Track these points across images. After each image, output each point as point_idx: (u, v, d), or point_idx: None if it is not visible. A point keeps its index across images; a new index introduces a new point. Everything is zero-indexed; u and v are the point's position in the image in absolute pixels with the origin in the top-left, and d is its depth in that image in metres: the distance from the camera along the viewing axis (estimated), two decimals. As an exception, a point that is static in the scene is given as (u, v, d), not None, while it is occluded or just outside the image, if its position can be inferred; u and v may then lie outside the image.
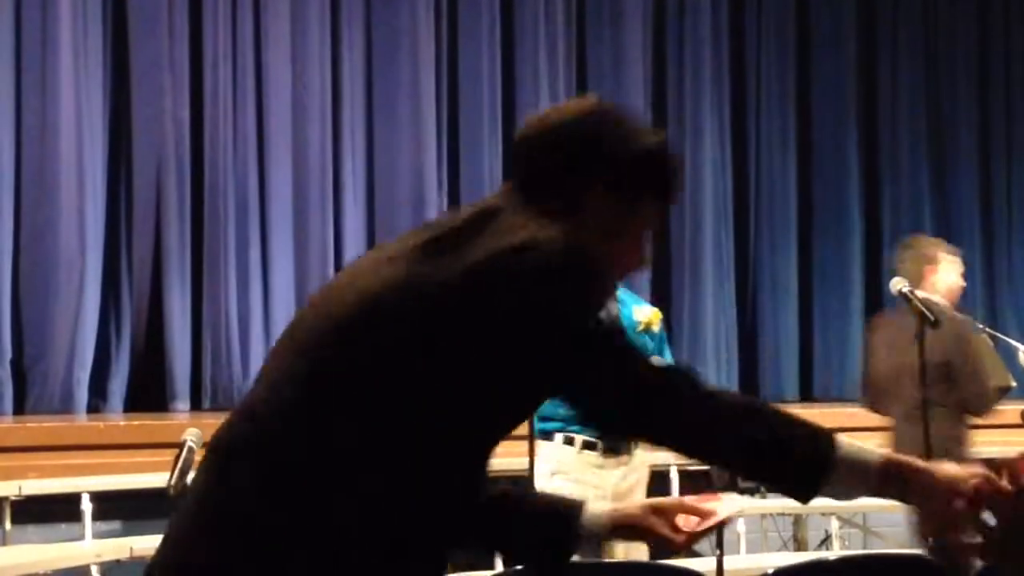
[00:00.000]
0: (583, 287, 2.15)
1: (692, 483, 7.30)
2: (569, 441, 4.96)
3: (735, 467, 2.39)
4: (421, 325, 2.11)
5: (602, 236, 2.28)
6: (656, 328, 5.05)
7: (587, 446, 4.94)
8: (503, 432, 2.22)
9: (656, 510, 2.44)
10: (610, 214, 2.29)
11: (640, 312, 5.03)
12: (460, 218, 2.26)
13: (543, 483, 4.89)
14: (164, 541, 2.21)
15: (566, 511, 2.43)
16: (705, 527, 2.42)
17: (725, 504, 2.45)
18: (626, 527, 2.44)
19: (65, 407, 8.52)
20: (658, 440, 2.26)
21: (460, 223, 2.23)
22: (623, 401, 2.16)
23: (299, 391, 2.13)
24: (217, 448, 2.21)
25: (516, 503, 2.44)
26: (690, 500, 2.46)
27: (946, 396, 5.93)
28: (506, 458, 7.20)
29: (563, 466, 4.94)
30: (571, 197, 2.28)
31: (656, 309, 5.09)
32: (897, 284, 5.71)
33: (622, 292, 4.93)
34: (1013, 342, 7.16)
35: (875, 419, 8.27)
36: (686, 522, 2.42)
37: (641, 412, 2.17)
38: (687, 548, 2.46)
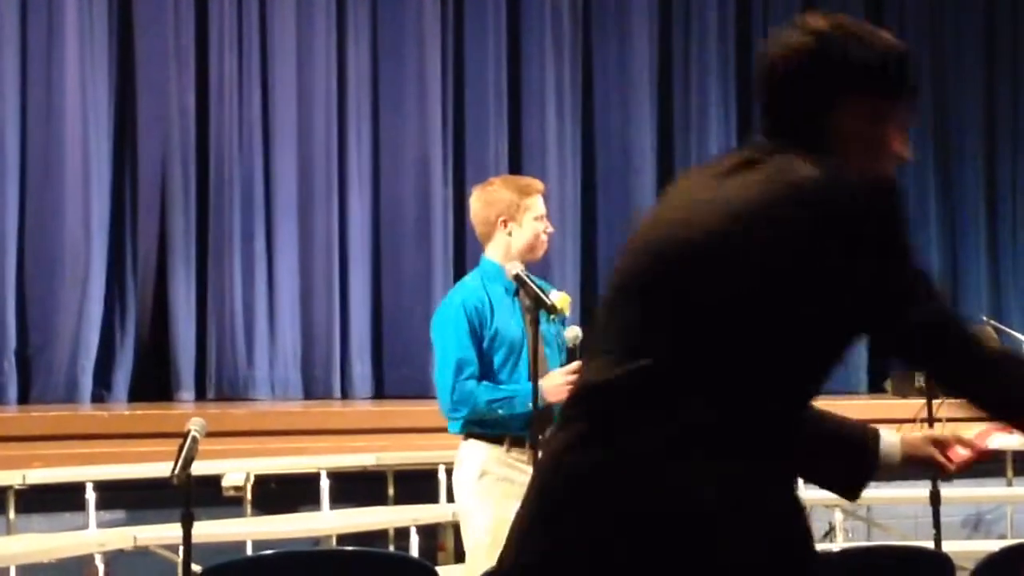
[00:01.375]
0: (893, 209, 2.34)
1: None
2: (496, 440, 4.72)
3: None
4: (757, 260, 2.25)
5: (860, 149, 2.40)
6: (567, 313, 4.89)
7: (515, 443, 4.68)
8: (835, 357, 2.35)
9: (935, 441, 2.64)
10: (860, 126, 2.40)
11: (554, 297, 4.78)
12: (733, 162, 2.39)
13: (471, 485, 4.71)
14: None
15: (864, 439, 2.56)
16: (972, 457, 2.65)
17: (994, 439, 2.70)
18: (911, 456, 2.61)
19: (69, 397, 8.52)
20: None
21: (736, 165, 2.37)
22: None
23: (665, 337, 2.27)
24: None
25: (815, 427, 2.50)
26: (965, 436, 2.68)
27: None
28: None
29: (489, 465, 4.69)
30: (820, 121, 2.38)
31: (565, 294, 4.95)
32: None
33: (537, 280, 4.82)
34: (1017, 335, 7.15)
35: (879, 410, 8.28)
36: (956, 454, 2.66)
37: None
38: (956, 474, 2.71)
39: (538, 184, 5.06)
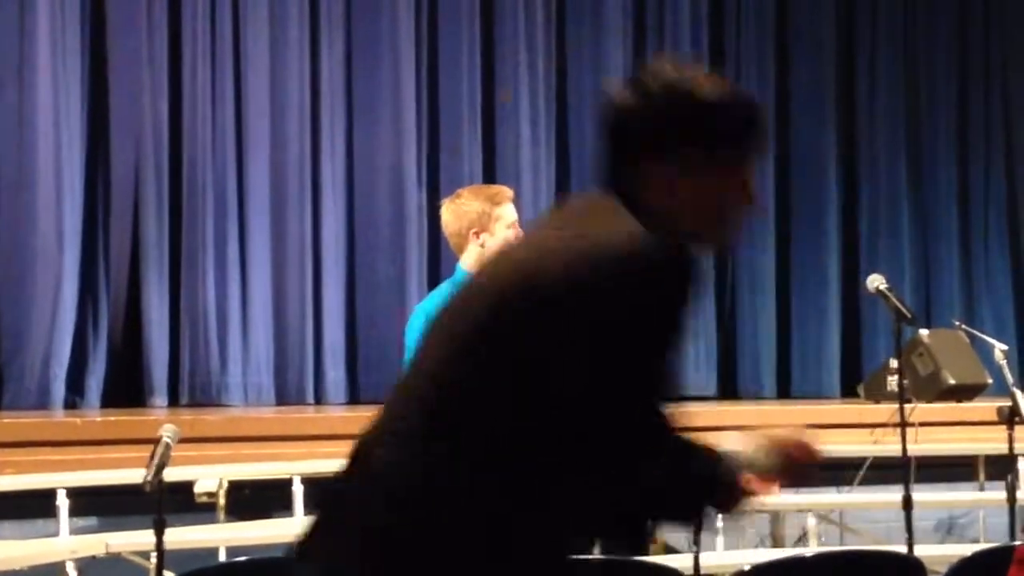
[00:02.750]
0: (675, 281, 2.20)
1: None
2: None
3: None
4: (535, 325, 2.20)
5: (689, 204, 2.29)
6: None
7: None
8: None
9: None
10: (690, 181, 2.30)
11: None
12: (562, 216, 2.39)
13: None
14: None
15: (718, 463, 2.43)
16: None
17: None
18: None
19: (42, 403, 8.48)
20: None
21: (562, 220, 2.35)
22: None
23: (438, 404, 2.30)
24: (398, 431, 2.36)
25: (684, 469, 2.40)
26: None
27: None
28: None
29: None
30: (641, 173, 2.29)
31: None
32: (874, 282, 5.73)
33: None
34: (989, 339, 7.18)
35: (852, 414, 8.29)
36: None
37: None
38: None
39: (508, 191, 5.05)
